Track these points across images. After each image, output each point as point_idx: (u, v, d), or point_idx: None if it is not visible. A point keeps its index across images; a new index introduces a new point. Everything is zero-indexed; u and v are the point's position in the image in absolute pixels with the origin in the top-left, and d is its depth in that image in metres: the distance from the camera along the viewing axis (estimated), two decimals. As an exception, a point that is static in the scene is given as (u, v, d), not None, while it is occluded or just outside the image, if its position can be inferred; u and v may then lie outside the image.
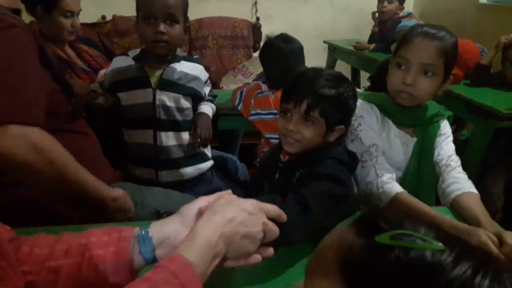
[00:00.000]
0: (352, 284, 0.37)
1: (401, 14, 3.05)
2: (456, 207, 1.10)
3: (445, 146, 1.23)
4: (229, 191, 0.69)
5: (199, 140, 1.46)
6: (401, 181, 1.21)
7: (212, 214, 0.61)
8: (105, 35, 2.95)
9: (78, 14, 1.92)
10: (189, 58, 1.51)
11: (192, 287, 0.51)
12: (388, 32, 2.98)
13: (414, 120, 1.24)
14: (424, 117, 1.23)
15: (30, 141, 0.89)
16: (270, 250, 0.68)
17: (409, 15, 3.09)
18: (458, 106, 2.03)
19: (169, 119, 1.44)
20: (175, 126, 1.46)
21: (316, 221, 0.85)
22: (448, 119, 1.30)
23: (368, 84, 3.00)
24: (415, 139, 1.23)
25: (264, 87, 1.71)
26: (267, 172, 1.11)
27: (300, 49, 1.65)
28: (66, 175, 0.96)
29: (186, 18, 1.41)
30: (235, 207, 0.63)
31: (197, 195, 1.42)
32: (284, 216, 0.70)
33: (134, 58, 1.44)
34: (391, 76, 1.18)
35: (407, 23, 2.66)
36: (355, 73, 3.71)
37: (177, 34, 1.36)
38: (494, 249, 0.87)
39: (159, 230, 0.62)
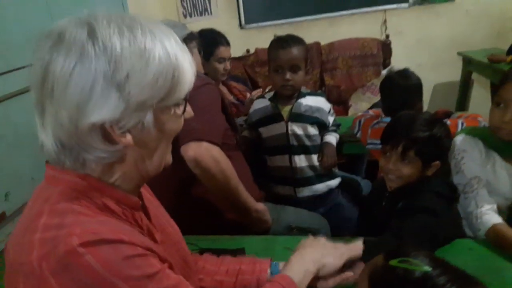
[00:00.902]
0: None
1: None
2: None
3: None
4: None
5: (325, 166, 1.77)
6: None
7: (302, 249, 0.92)
8: (249, 66, 3.44)
9: (229, 59, 2.39)
10: (312, 93, 1.83)
11: None
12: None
13: None
14: None
15: (213, 154, 1.25)
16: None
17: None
18: None
19: (300, 144, 1.77)
20: (306, 150, 1.78)
21: None
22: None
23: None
24: (522, 171, 1.28)
25: (383, 114, 1.88)
26: (377, 200, 1.34)
27: (418, 85, 1.74)
28: (230, 183, 1.30)
29: (307, 61, 1.74)
30: (317, 242, 0.93)
31: (325, 209, 1.74)
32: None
33: (269, 99, 1.82)
34: (491, 113, 1.28)
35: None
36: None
37: (300, 79, 1.71)
38: None
39: (283, 264, 0.94)
